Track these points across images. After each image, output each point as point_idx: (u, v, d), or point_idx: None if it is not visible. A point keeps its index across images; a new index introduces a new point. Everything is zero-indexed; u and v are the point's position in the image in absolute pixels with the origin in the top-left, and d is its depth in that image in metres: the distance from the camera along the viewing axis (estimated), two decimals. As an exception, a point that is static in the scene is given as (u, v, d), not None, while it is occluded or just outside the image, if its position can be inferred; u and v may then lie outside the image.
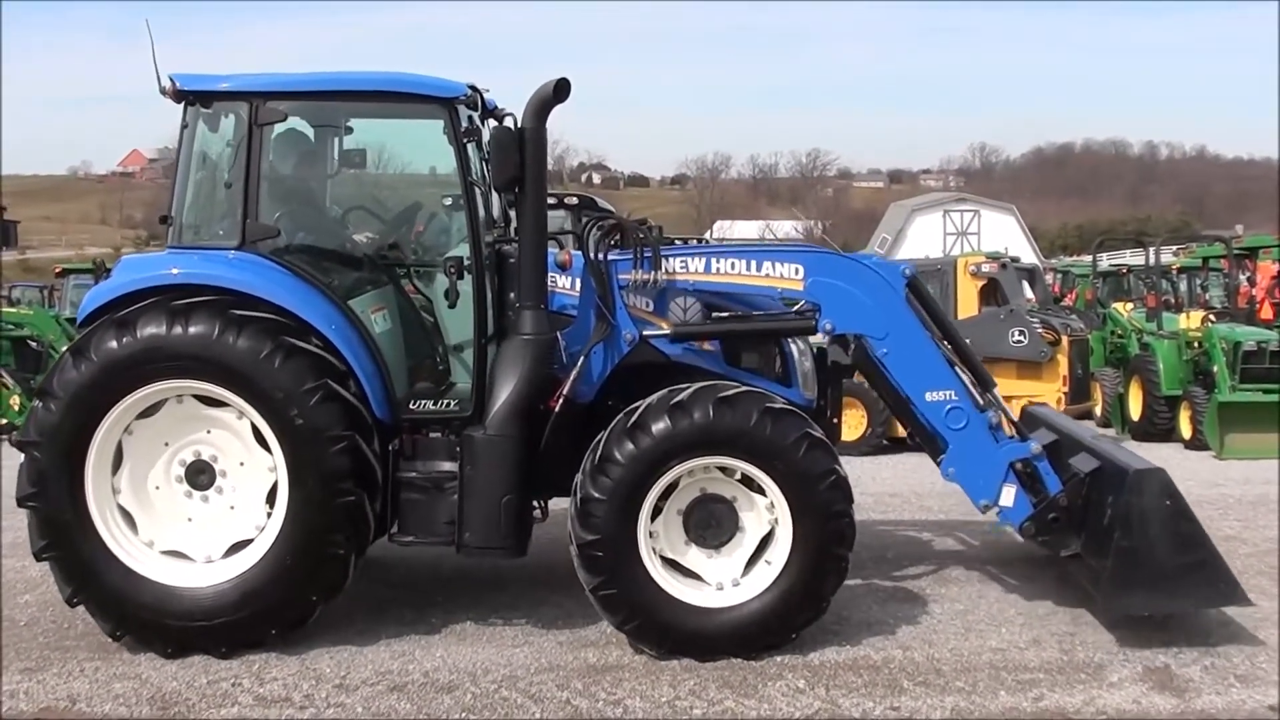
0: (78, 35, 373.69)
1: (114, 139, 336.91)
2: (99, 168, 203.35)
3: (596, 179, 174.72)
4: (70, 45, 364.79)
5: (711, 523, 10.25)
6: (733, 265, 11.09)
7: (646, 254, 10.92)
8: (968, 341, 20.59)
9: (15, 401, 23.76)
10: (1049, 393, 21.75)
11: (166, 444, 10.44)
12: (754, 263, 11.08)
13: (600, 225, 11.27)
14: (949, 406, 10.96)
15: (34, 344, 26.76)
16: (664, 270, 10.96)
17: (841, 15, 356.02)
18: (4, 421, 24.32)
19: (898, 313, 11.02)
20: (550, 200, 14.34)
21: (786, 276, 11.02)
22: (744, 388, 10.24)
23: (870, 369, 11.26)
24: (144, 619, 10.24)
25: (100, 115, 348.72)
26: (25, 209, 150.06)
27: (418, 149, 12.43)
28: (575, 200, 11.78)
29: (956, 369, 11.21)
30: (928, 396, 11.01)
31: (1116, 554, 10.42)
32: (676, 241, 21.83)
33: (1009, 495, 11.02)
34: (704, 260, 11.11)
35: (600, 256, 10.87)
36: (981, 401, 11.09)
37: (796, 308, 11.33)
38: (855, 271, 11.07)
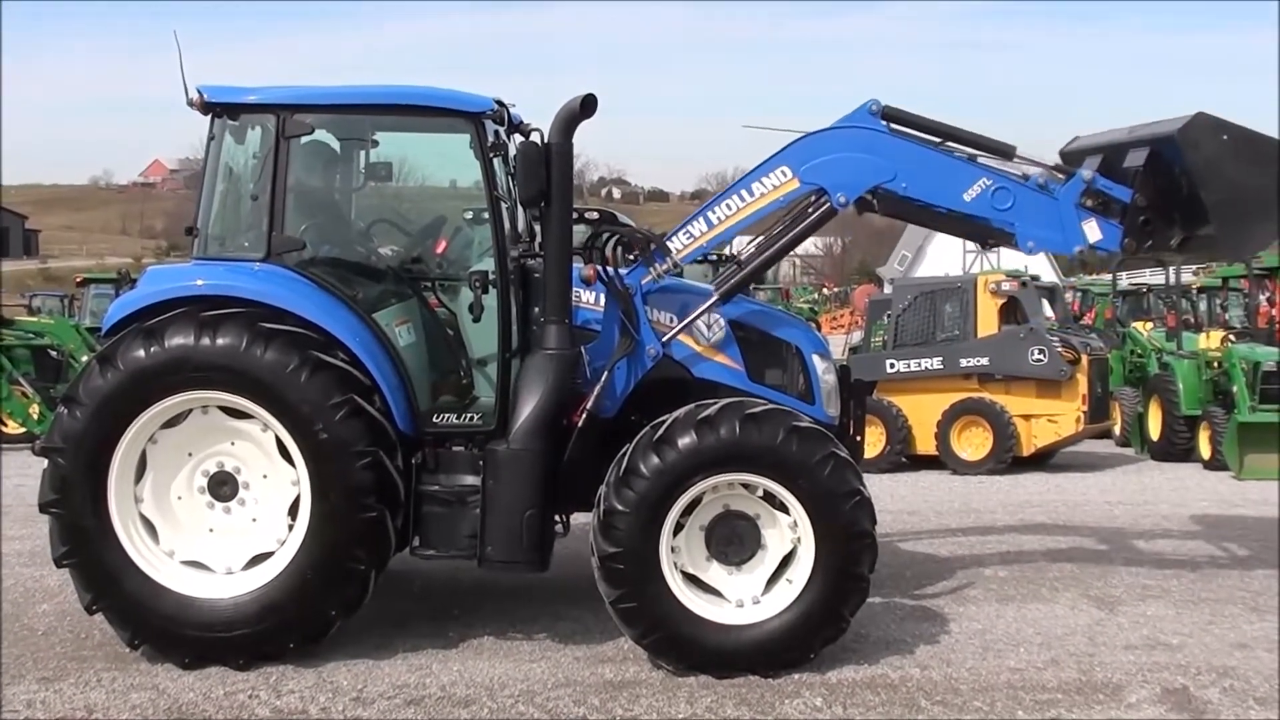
0: (100, 40, 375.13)
1: (135, 148, 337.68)
2: (120, 178, 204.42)
3: (617, 194, 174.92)
4: (92, 51, 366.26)
5: (734, 539, 10.22)
6: (729, 206, 11.18)
7: (655, 250, 11.03)
8: (986, 360, 20.87)
9: (35, 410, 23.78)
10: (1068, 411, 21.78)
11: (190, 454, 10.46)
12: (745, 192, 11.16)
13: (601, 240, 11.29)
14: (990, 192, 11.06)
15: (54, 353, 26.80)
16: (674, 250, 11.11)
17: (871, 26, 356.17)
18: (23, 430, 24.37)
19: (890, 147, 11.12)
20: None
21: (780, 184, 11.11)
22: (770, 405, 10.23)
23: (905, 209, 11.57)
24: (162, 628, 10.25)
25: (120, 124, 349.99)
26: (46, 218, 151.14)
27: (444, 163, 12.44)
28: (596, 215, 11.78)
29: (978, 160, 11.31)
30: (966, 197, 11.10)
31: (1214, 210, 10.69)
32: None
33: (1092, 229, 11.15)
34: (703, 220, 11.19)
35: (613, 272, 10.90)
36: (1017, 172, 11.21)
37: (807, 202, 11.41)
38: (831, 139, 11.16)
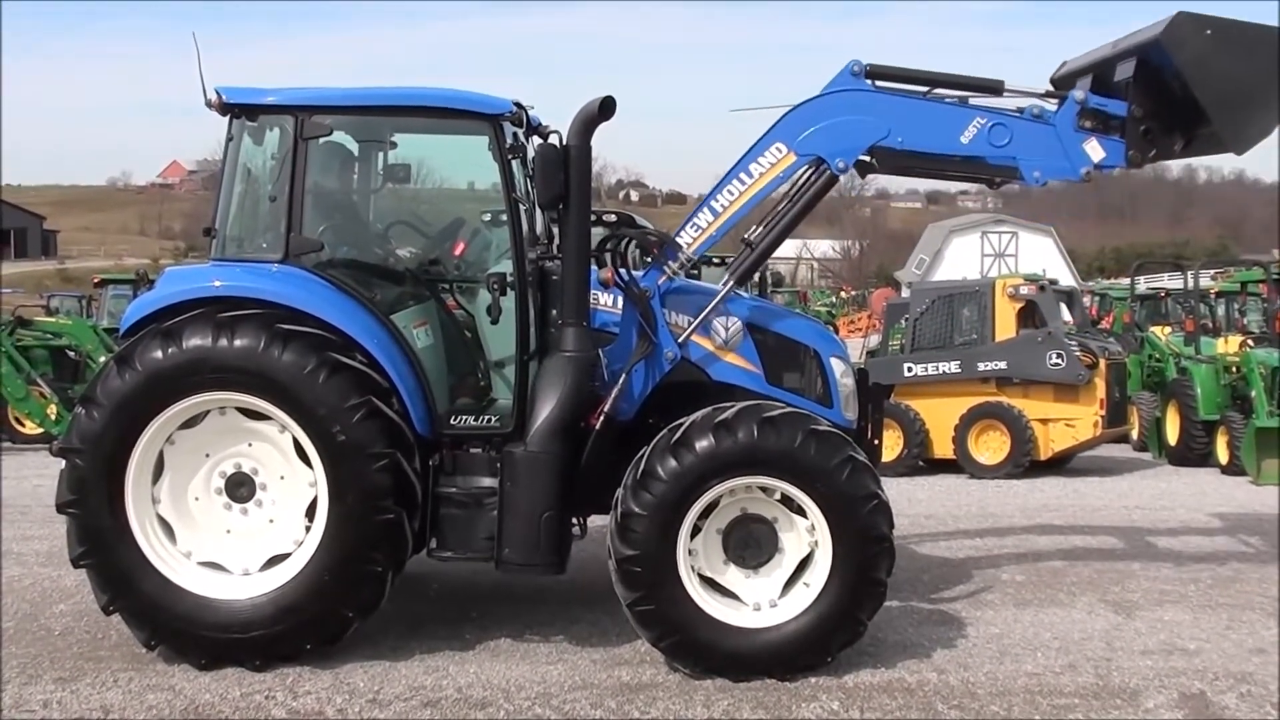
0: (118, 42, 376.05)
1: (153, 149, 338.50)
2: (138, 179, 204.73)
3: (634, 196, 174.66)
4: (109, 53, 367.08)
5: (751, 543, 10.20)
6: (731, 192, 11.18)
7: (666, 248, 11.08)
8: (1004, 364, 20.80)
9: (52, 410, 23.81)
10: (1086, 416, 21.72)
11: (207, 455, 10.47)
12: (744, 175, 11.18)
13: (613, 243, 11.29)
14: (986, 130, 11.14)
15: (72, 353, 26.87)
16: (684, 245, 11.11)
17: (884, 28, 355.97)
18: (41, 430, 24.41)
19: (879, 104, 11.20)
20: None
21: (777, 160, 11.15)
22: (788, 408, 10.21)
23: (905, 162, 11.58)
24: (179, 629, 10.25)
25: (139, 125, 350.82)
26: (65, 219, 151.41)
27: (462, 165, 12.44)
28: (614, 217, 11.78)
29: (969, 101, 11.39)
30: (963, 140, 11.18)
31: (1210, 108, 10.75)
32: (714, 259, 21.97)
33: (1094, 149, 11.23)
34: (708, 211, 11.19)
35: (629, 275, 10.91)
36: (1011, 106, 11.29)
37: (807, 174, 11.38)
38: (820, 107, 11.20)
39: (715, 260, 22.09)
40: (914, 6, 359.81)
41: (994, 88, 11.38)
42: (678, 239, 11.10)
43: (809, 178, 11.37)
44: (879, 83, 11.29)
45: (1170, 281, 42.44)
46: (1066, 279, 59.03)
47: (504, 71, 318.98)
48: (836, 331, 39.20)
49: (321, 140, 10.79)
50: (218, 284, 10.41)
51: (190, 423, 10.37)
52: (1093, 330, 26.34)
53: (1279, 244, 76.97)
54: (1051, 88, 11.88)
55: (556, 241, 11.00)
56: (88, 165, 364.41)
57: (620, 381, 10.64)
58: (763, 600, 10.19)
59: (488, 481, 10.60)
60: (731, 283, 11.17)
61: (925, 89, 11.45)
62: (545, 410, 10.32)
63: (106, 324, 30.15)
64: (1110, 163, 11.25)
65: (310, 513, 10.35)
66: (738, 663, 10.00)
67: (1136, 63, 11.16)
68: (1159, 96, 11.15)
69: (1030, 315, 22.19)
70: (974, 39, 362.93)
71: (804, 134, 11.07)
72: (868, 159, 11.44)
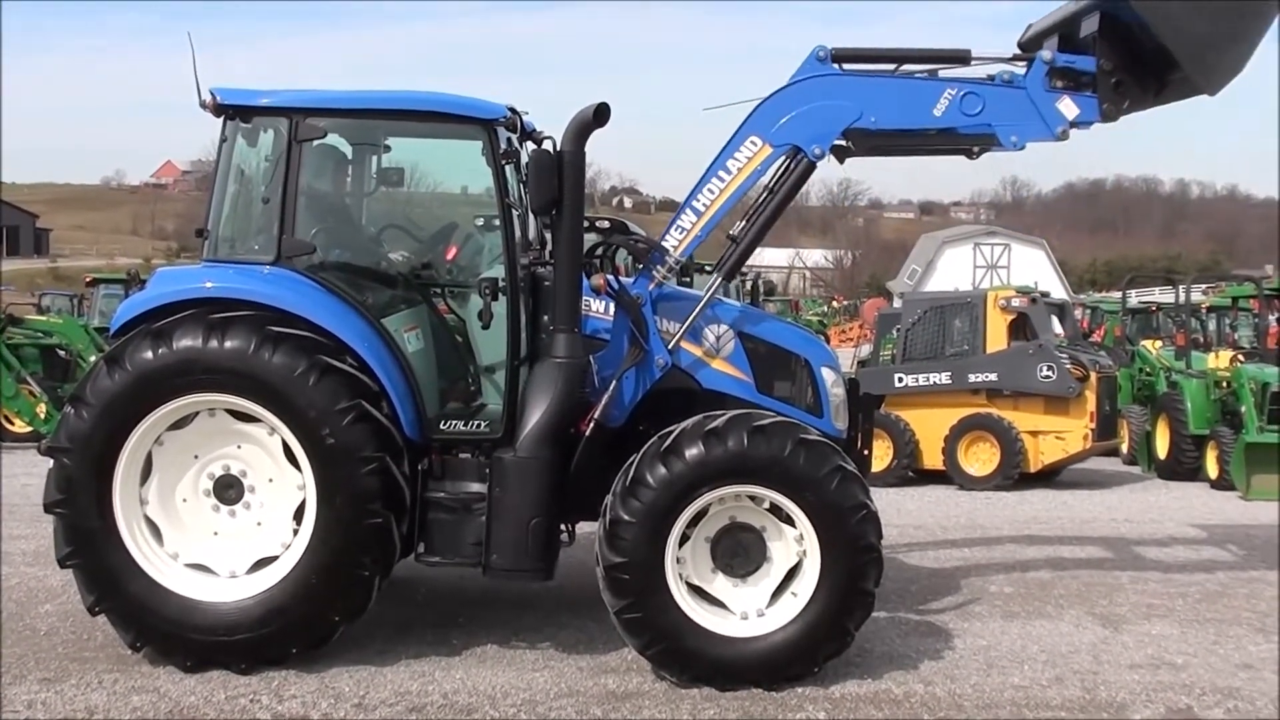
0: (112, 41, 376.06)
1: (148, 149, 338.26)
2: (132, 178, 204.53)
3: (628, 203, 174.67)
4: (105, 52, 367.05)
5: (739, 551, 10.18)
6: (711, 190, 11.14)
7: (652, 253, 11.08)
8: (995, 376, 20.83)
9: (41, 409, 23.74)
10: (1076, 428, 21.73)
11: (196, 456, 10.43)
12: (722, 173, 11.14)
13: (602, 250, 11.27)
14: (958, 101, 11.14)
15: (62, 352, 26.80)
16: (670, 248, 11.11)
17: (885, 31, 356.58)
18: (30, 429, 24.36)
19: (848, 87, 11.20)
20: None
21: (754, 153, 11.14)
22: (778, 417, 10.21)
23: (881, 142, 11.69)
24: (165, 631, 10.22)
25: (134, 124, 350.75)
26: (58, 217, 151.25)
27: (456, 169, 12.44)
28: (607, 224, 11.79)
29: (938, 74, 11.38)
30: (936, 112, 11.16)
31: (1178, 52, 10.81)
32: (707, 267, 21.97)
33: (1068, 107, 11.23)
34: (690, 211, 11.17)
35: (620, 282, 10.90)
36: (981, 74, 11.32)
37: (785, 163, 11.37)
38: (790, 96, 11.19)
39: (708, 268, 22.08)
40: (915, 7, 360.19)
41: (961, 58, 11.37)
42: (663, 242, 11.09)
43: (787, 168, 11.37)
44: (846, 65, 11.28)
45: (1162, 295, 42.48)
46: (1058, 291, 59.11)
47: (504, 71, 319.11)
48: (828, 341, 39.24)
49: (315, 143, 10.77)
50: (209, 285, 10.40)
51: (179, 424, 10.34)
52: (1084, 343, 26.39)
53: (1278, 259, 77.13)
54: (1019, 51, 11.90)
55: (549, 247, 10.98)
56: (82, 164, 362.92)
57: (611, 388, 10.62)
58: (750, 609, 10.17)
59: (477, 487, 10.58)
60: (719, 279, 11.17)
61: (893, 66, 11.45)
62: (535, 416, 10.30)
63: (98, 323, 30.15)
64: (1085, 119, 11.25)
65: (298, 516, 10.32)
66: (724, 671, 9.98)
67: (1100, 16, 11.16)
68: (1126, 47, 11.18)
69: (1021, 327, 22.20)
70: (976, 38, 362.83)
71: (777, 124, 11.08)
72: (843, 143, 11.52)
